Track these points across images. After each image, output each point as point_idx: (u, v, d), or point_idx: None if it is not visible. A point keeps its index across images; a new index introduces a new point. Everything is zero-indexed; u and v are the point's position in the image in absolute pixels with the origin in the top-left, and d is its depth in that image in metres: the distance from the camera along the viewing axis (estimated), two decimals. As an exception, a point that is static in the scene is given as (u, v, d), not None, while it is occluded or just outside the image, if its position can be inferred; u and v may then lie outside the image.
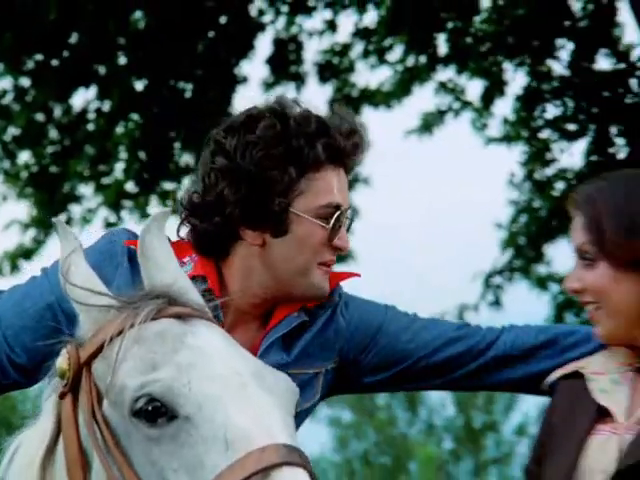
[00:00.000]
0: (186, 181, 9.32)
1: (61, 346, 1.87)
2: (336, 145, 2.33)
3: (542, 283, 9.62)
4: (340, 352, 2.45)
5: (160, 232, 1.85)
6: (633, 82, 8.70)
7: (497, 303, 9.27)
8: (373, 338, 2.46)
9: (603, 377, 2.30)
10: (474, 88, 9.35)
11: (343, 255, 2.55)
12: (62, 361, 1.74)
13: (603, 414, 2.25)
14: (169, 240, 2.03)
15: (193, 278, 2.26)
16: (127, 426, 1.64)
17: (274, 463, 1.53)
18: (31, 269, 8.91)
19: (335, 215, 2.32)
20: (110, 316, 1.75)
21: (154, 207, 9.43)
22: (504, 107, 9.43)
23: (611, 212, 2.26)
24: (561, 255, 9.52)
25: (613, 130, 8.79)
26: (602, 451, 2.21)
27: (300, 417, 2.32)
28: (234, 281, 2.40)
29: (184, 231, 2.42)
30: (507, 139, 9.54)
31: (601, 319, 2.28)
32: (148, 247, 1.82)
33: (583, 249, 2.29)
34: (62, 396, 1.74)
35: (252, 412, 1.61)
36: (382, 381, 2.54)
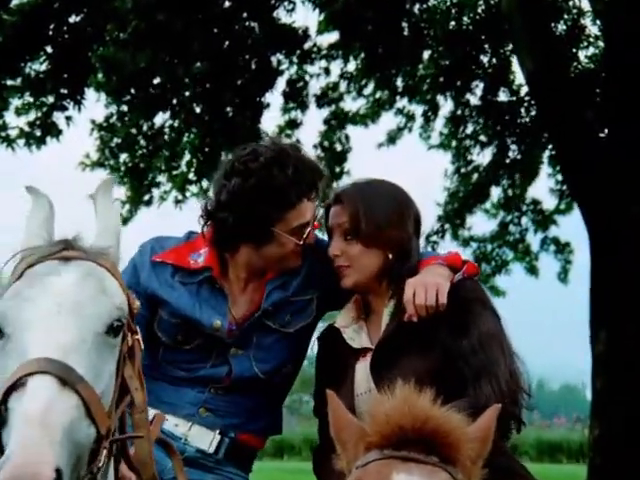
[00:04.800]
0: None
1: None
2: (302, 188, 2.57)
3: (465, 242, 11.68)
4: (321, 282, 2.72)
5: (106, 194, 2.01)
6: (522, 110, 10.99)
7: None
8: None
9: (348, 329, 2.63)
10: (419, 112, 11.62)
11: None
12: None
13: (361, 351, 2.59)
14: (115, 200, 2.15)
15: (203, 268, 2.70)
16: None
17: (30, 372, 1.69)
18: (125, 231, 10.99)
19: (304, 231, 2.61)
20: (22, 259, 1.93)
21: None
22: (439, 125, 11.69)
23: (364, 213, 2.58)
24: (476, 223, 11.61)
25: (509, 140, 11.19)
26: (364, 369, 2.54)
27: (303, 330, 2.74)
28: (237, 267, 2.70)
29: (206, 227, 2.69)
30: (442, 146, 11.71)
31: (350, 274, 2.61)
32: (96, 205, 2.00)
33: (345, 230, 2.62)
34: None
35: (49, 335, 1.75)
36: None
